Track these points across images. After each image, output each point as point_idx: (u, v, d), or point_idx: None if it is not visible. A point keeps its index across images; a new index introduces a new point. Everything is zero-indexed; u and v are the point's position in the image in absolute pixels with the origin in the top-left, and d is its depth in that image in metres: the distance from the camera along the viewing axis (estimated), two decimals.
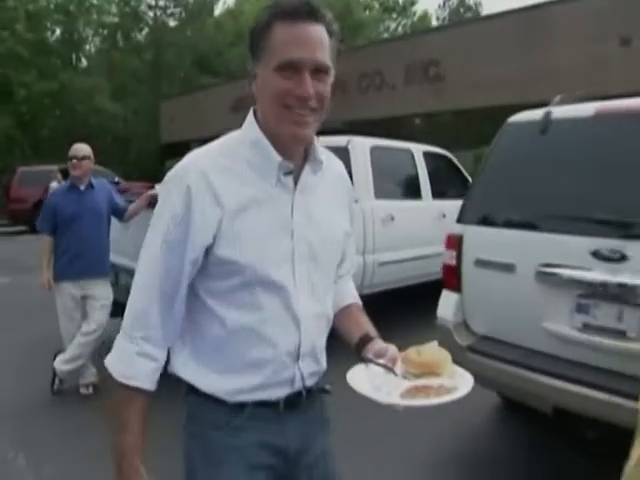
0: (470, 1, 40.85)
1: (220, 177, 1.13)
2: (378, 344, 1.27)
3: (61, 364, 4.05)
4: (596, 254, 2.46)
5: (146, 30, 28.94)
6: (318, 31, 1.11)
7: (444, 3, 41.27)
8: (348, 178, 1.38)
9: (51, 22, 24.74)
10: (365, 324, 1.36)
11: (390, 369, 1.19)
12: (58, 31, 25.79)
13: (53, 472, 3.03)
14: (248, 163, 1.17)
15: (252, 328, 1.16)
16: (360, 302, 1.45)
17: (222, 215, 1.12)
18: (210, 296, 1.18)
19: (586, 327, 2.53)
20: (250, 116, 1.21)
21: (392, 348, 1.24)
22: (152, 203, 4.21)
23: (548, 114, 2.83)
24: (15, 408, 3.88)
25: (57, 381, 4.12)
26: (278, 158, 1.16)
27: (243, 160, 1.17)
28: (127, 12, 28.20)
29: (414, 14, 39.94)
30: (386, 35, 36.34)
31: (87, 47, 29.25)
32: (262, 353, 1.17)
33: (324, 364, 1.31)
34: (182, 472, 1.26)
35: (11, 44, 20.54)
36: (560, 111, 2.85)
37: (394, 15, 39.26)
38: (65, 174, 4.29)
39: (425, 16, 39.63)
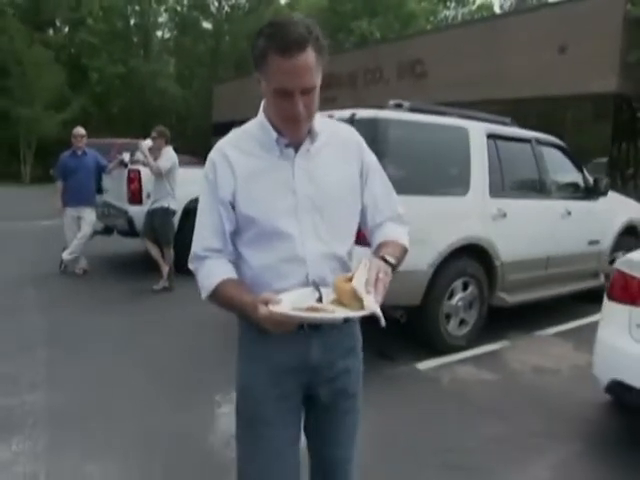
0: None
1: (234, 153, 1.49)
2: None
3: (66, 255, 6.83)
4: None
5: (211, 19, 31.98)
6: (306, 59, 1.34)
7: None
8: (358, 140, 1.64)
9: (125, 13, 28.07)
10: (385, 248, 1.53)
11: (320, 295, 1.41)
12: (132, 20, 29.24)
13: (62, 305, 5.76)
14: (257, 141, 1.51)
15: (270, 266, 1.49)
16: (402, 241, 1.61)
17: (235, 180, 1.48)
18: (242, 245, 1.53)
19: None
20: (262, 105, 1.54)
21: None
22: (121, 164, 6.81)
23: None
24: (38, 276, 6.79)
25: (62, 265, 6.92)
26: (274, 135, 1.48)
27: (254, 139, 1.51)
28: (195, 2, 31.28)
29: (473, 3, 40.43)
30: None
31: (159, 33, 32.72)
32: (281, 284, 1.46)
33: None
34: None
35: (85, 35, 24.09)
36: None
37: (452, 4, 39.97)
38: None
39: (484, 5, 39.89)
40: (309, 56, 1.35)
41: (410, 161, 4.25)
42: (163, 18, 32.37)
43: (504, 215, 4.74)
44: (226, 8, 32.23)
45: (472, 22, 16.86)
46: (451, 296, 4.52)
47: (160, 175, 6.03)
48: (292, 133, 1.46)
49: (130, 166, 6.69)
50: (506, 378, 4.20)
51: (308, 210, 1.49)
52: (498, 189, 4.77)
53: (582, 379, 4.06)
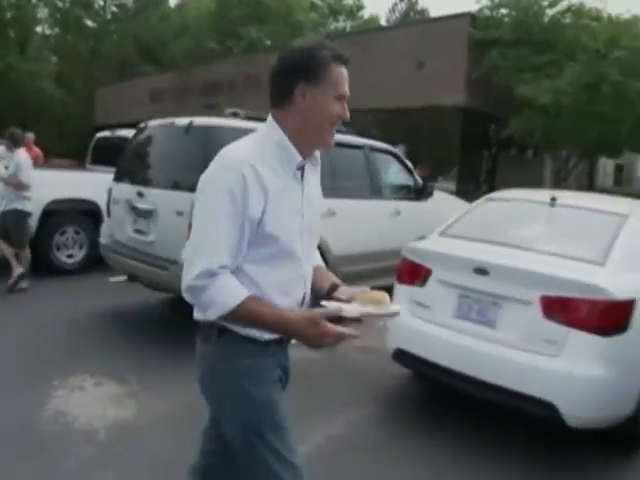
0: (418, 6, 43.70)
1: (264, 170, 1.50)
2: (345, 289, 1.67)
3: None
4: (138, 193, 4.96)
5: (97, 17, 30.87)
6: None
7: (394, 8, 43.90)
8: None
9: (3, 4, 26.26)
10: (332, 278, 1.76)
11: (348, 302, 1.59)
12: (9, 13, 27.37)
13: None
14: (275, 159, 1.55)
15: (279, 283, 1.58)
16: (324, 265, 1.86)
17: (266, 198, 1.50)
18: (248, 262, 1.54)
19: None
20: (271, 120, 1.59)
21: (351, 291, 1.64)
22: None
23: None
24: None
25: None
26: (299, 158, 1.57)
27: (272, 157, 1.55)
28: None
29: (362, 17, 42.19)
30: None
31: (38, 29, 30.98)
32: (284, 301, 1.58)
33: None
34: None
35: None
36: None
37: (342, 17, 41.43)
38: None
39: (372, 19, 41.74)
40: None
41: None
42: (43, 14, 30.78)
43: (333, 214, 5.29)
44: (112, 8, 31.29)
45: (343, 35, 17.83)
46: None
47: (27, 187, 6.10)
48: (328, 143, 1.62)
49: None
50: (332, 358, 4.69)
51: (306, 232, 1.64)
52: (328, 190, 5.27)
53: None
